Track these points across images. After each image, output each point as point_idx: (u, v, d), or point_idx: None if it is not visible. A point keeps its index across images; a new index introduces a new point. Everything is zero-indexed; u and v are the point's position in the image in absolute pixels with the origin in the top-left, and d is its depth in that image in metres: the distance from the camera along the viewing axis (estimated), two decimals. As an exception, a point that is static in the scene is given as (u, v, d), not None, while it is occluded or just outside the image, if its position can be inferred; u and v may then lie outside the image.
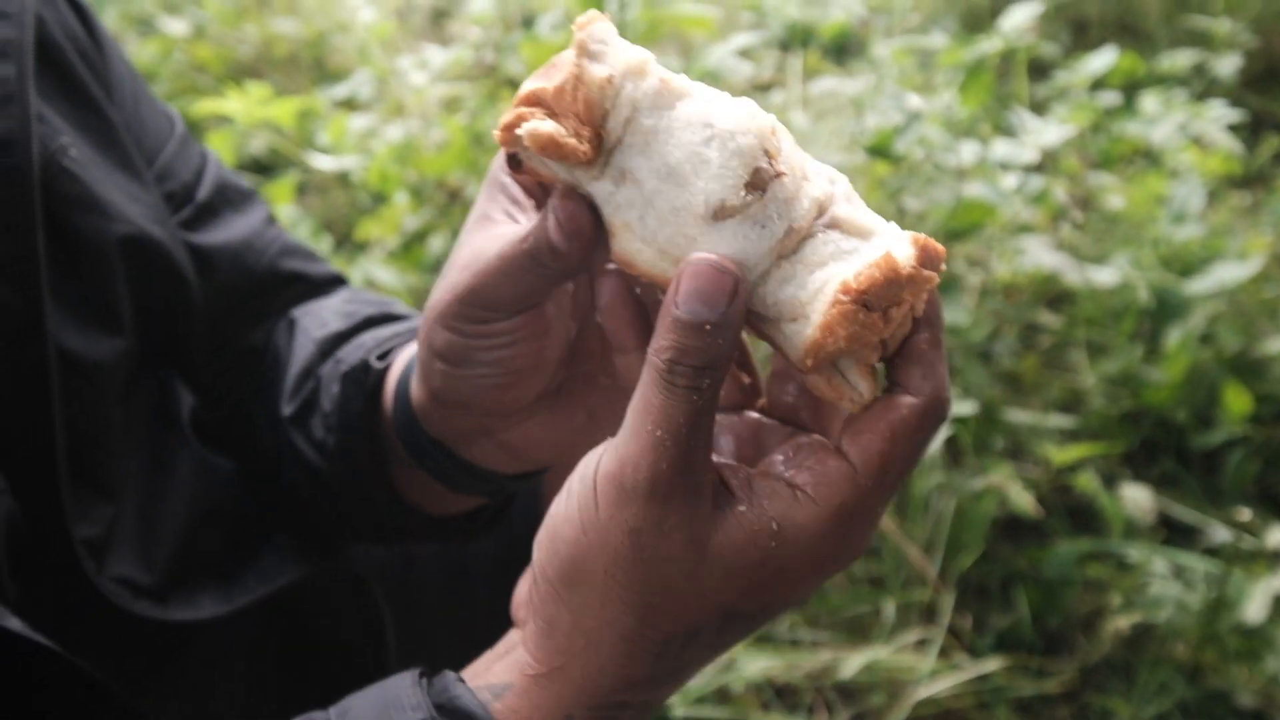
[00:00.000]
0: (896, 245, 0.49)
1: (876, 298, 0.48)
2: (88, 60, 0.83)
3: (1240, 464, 1.56)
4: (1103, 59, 1.80)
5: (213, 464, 0.89)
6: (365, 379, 0.79)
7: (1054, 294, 1.74)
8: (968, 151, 1.45)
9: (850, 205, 0.52)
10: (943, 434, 1.50)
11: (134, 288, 0.79)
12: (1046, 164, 1.64)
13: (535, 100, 0.52)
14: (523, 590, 0.59)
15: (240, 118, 1.66)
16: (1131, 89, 1.92)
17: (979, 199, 1.45)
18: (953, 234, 1.56)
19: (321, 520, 0.90)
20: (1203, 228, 1.66)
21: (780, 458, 0.54)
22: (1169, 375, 1.55)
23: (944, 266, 0.51)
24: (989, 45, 1.50)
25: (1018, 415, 1.60)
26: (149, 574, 0.77)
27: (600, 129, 0.51)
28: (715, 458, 0.52)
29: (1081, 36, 2.35)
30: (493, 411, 0.68)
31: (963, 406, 1.50)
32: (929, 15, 2.41)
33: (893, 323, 0.50)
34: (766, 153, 0.50)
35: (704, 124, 0.50)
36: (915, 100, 1.39)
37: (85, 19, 0.84)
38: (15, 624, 0.60)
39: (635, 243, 0.53)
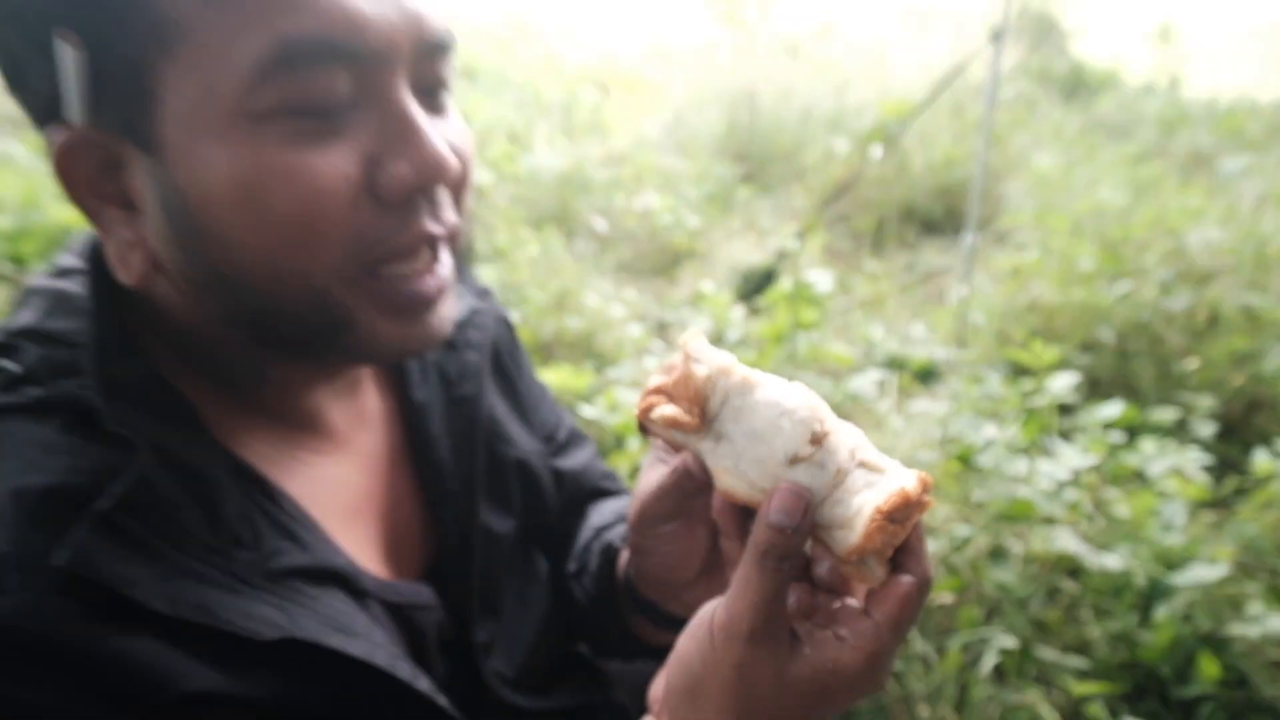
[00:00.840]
0: (906, 479, 0.54)
1: (897, 515, 0.53)
2: (512, 356, 0.90)
3: (1211, 715, 1.65)
4: (1111, 409, 2.07)
5: (557, 597, 0.91)
6: (614, 557, 0.85)
7: (1073, 567, 1.85)
8: (1022, 465, 1.74)
9: (869, 451, 0.56)
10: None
11: (522, 490, 0.85)
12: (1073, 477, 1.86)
13: (660, 391, 0.57)
14: (658, 688, 0.63)
15: (552, 380, 2.06)
16: (1132, 430, 2.15)
17: (1027, 499, 1.72)
18: (1006, 519, 1.80)
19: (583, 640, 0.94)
20: (1184, 536, 1.82)
21: (828, 619, 0.56)
22: (1158, 640, 1.68)
23: (932, 494, 0.56)
24: (1042, 399, 1.82)
25: (1046, 653, 1.74)
26: (513, 669, 0.79)
27: (704, 408, 0.56)
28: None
29: (1095, 389, 2.59)
30: (670, 583, 0.73)
31: (1006, 640, 1.67)
32: (985, 359, 2.71)
33: (904, 531, 0.54)
34: (820, 420, 0.55)
35: (778, 404, 0.55)
36: (991, 430, 1.71)
37: (511, 332, 0.92)
38: (442, 700, 0.63)
39: (731, 479, 0.56)
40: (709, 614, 0.57)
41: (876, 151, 3.66)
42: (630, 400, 2.07)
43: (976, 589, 1.84)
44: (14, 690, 0.48)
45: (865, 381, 1.91)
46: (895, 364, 2.57)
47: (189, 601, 0.52)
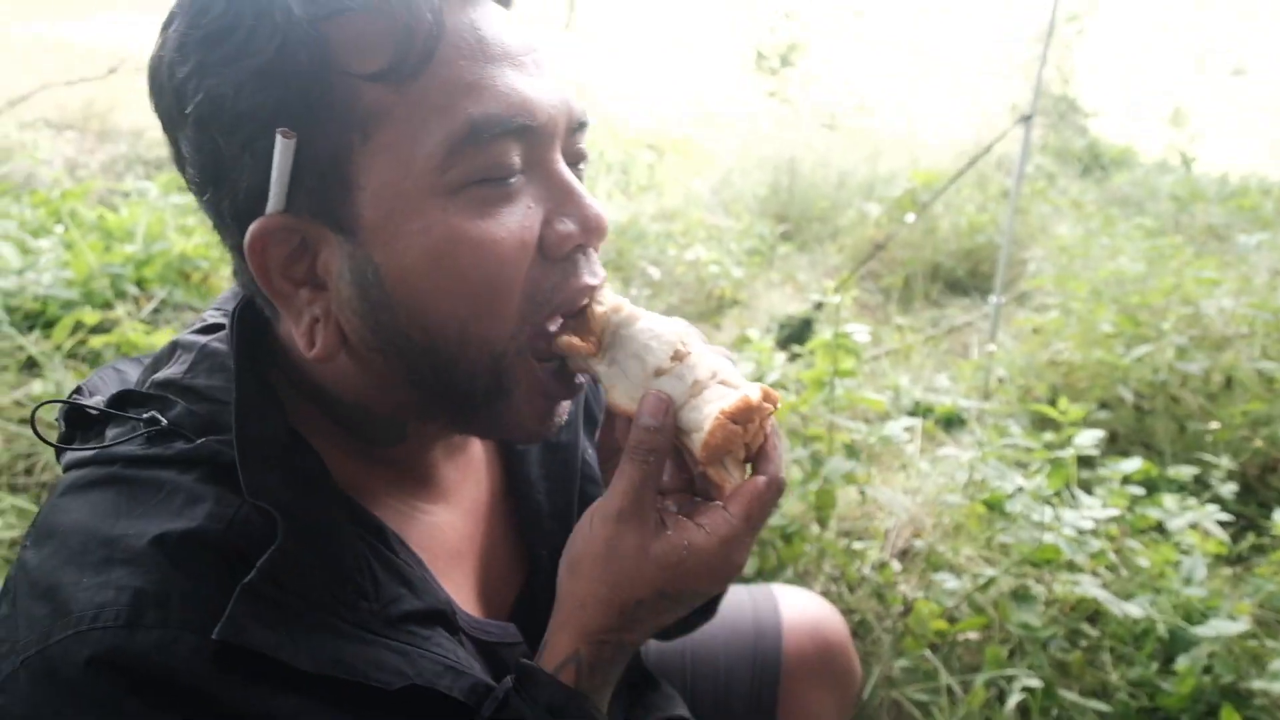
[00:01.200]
0: (751, 390, 0.58)
1: (739, 417, 0.57)
2: (596, 397, 0.90)
3: (1232, 767, 1.57)
4: (1131, 464, 1.97)
5: None
6: None
7: (1094, 612, 1.78)
8: (1047, 513, 1.67)
9: (732, 372, 0.61)
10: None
11: None
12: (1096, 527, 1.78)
13: (568, 328, 0.62)
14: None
15: None
16: (1150, 485, 2.06)
17: (1052, 545, 1.65)
18: (1031, 563, 1.73)
19: None
20: (1204, 589, 1.73)
21: (692, 509, 0.61)
22: (1180, 689, 1.59)
23: (779, 404, 0.60)
24: (1066, 452, 1.76)
25: (1067, 694, 1.65)
26: None
27: (600, 338, 0.61)
28: (659, 507, 0.61)
29: (1114, 444, 2.50)
30: None
31: (1031, 680, 1.59)
32: (1008, 411, 2.64)
33: (750, 434, 0.59)
34: (683, 342, 0.60)
35: (651, 330, 0.61)
36: (1019, 479, 1.65)
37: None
38: None
39: (617, 394, 0.61)
40: (593, 506, 0.61)
41: (908, 216, 3.62)
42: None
43: (1000, 628, 1.77)
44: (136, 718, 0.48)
45: (896, 427, 1.86)
46: (921, 411, 2.51)
47: (327, 656, 0.52)
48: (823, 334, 1.93)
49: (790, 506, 1.94)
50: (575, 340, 0.60)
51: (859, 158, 5.64)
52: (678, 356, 0.59)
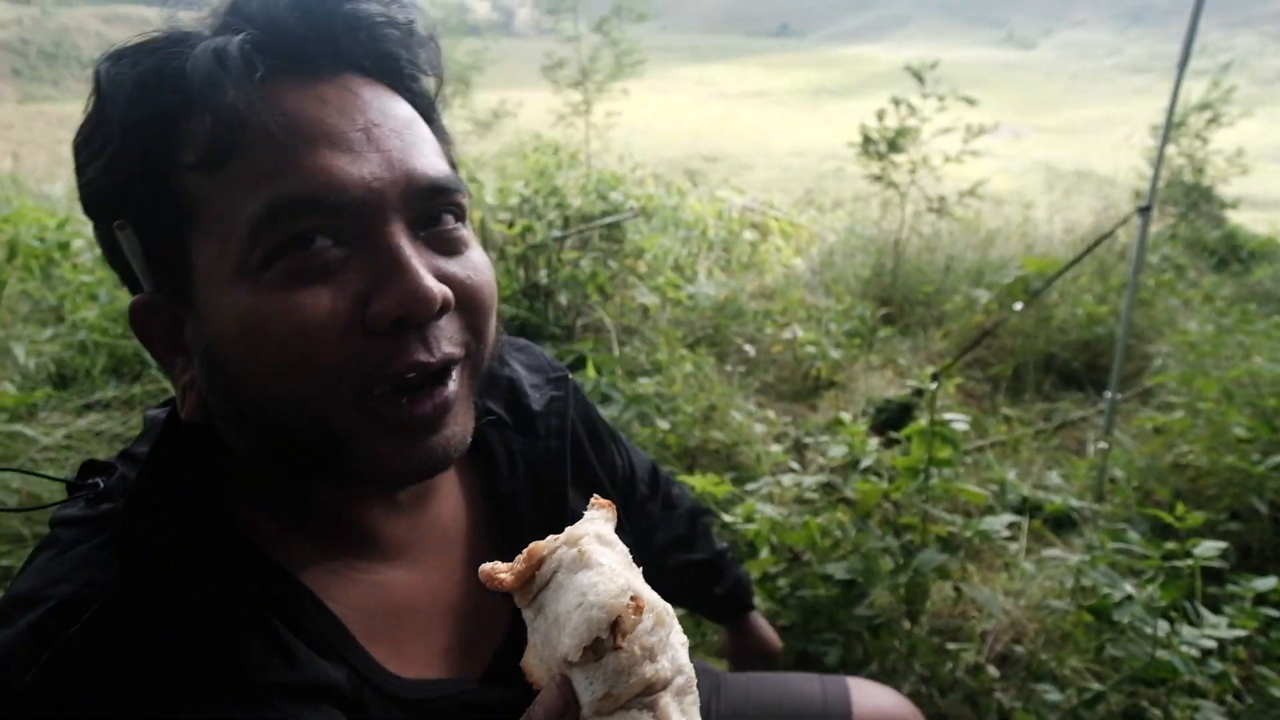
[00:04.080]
0: None
1: None
2: (589, 428, 0.91)
3: None
4: (1266, 582, 1.82)
5: None
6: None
7: None
8: (1162, 627, 1.57)
9: (676, 699, 0.47)
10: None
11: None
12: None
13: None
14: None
15: (695, 486, 2.09)
16: None
17: (1167, 661, 1.54)
18: (1145, 681, 1.62)
19: None
20: None
21: None
22: None
23: None
24: (1185, 562, 1.65)
25: None
26: None
27: (535, 573, 0.50)
28: None
29: (1247, 558, 2.32)
30: None
31: None
32: (1123, 514, 2.49)
33: None
34: (615, 627, 0.45)
35: (581, 592, 0.47)
36: (1129, 587, 1.56)
37: (587, 408, 0.93)
38: None
39: (534, 658, 0.51)
40: None
41: (1016, 305, 3.54)
42: (766, 512, 2.05)
43: None
44: None
45: (997, 522, 1.80)
46: (1028, 508, 2.40)
47: (144, 714, 0.52)
48: (922, 421, 1.92)
49: (879, 597, 1.90)
50: (494, 571, 0.50)
51: (968, 244, 5.57)
52: (597, 648, 0.46)
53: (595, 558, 0.48)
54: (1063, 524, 2.48)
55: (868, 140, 5.13)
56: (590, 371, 2.90)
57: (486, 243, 4.02)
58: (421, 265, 0.58)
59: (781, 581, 1.99)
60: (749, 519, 2.03)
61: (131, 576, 0.55)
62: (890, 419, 3.00)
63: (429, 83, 0.67)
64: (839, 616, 1.90)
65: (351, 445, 0.59)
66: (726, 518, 2.08)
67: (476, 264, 0.64)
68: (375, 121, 0.59)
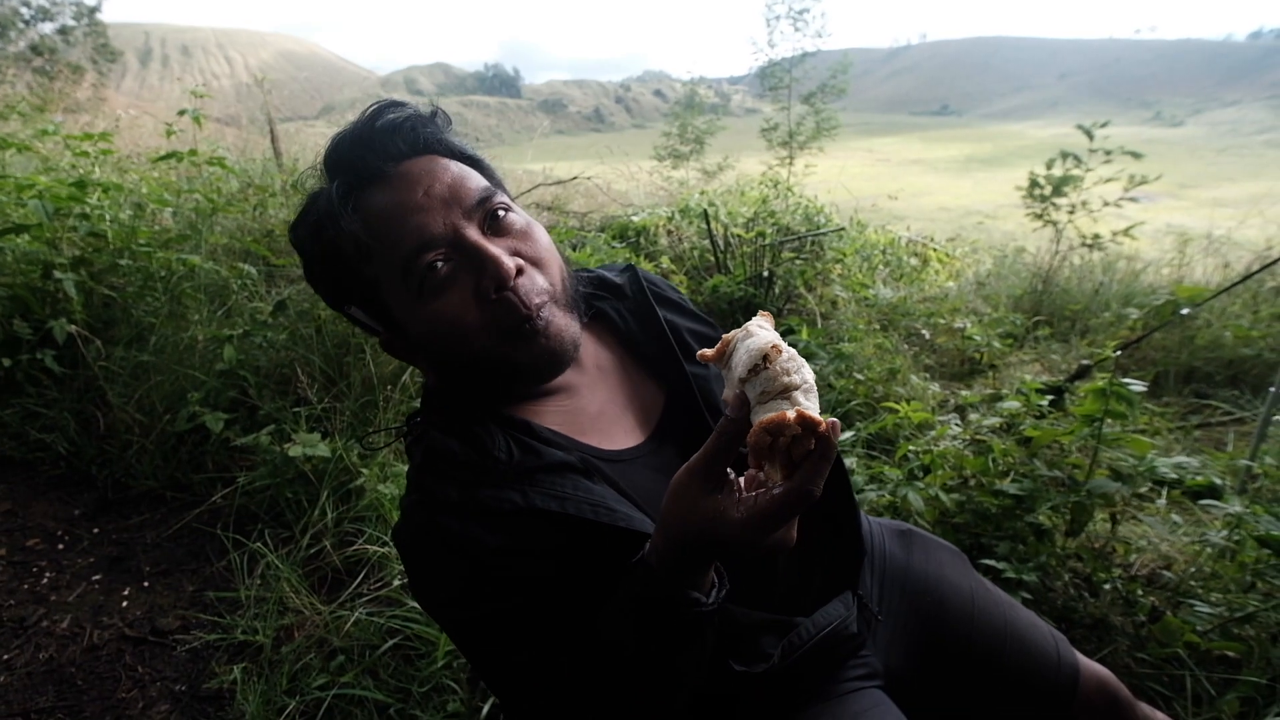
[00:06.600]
0: (790, 413, 0.52)
1: (772, 429, 0.52)
2: (669, 287, 0.94)
3: None
4: None
5: None
6: None
7: None
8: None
9: (804, 395, 0.53)
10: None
11: (701, 344, 0.88)
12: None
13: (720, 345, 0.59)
14: None
15: (901, 410, 2.05)
16: None
17: None
18: None
19: None
20: None
21: (748, 489, 0.57)
22: None
23: (822, 428, 0.52)
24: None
25: None
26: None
27: (725, 349, 0.58)
28: (726, 476, 0.57)
29: None
30: None
31: None
32: (1272, 496, 2.09)
33: (783, 444, 0.52)
34: (766, 358, 0.54)
35: (748, 346, 0.56)
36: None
37: (660, 281, 0.94)
38: (648, 527, 0.67)
39: (729, 391, 0.57)
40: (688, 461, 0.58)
41: (1165, 323, 3.03)
42: (952, 437, 1.96)
43: (1261, 660, 1.41)
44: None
45: (1166, 463, 1.60)
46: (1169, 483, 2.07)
47: (485, 496, 0.65)
48: (1099, 382, 1.74)
49: (1044, 516, 1.76)
50: (705, 351, 0.59)
51: (1119, 275, 4.83)
52: (754, 370, 0.54)
53: (754, 331, 0.58)
54: (1201, 497, 2.11)
55: (1034, 184, 4.60)
56: (804, 334, 2.91)
57: (727, 245, 4.14)
58: (495, 249, 0.68)
59: (955, 494, 1.89)
60: (941, 438, 1.94)
61: (434, 442, 0.70)
62: (1050, 390, 2.72)
63: (456, 138, 0.76)
64: (1006, 524, 1.78)
65: (515, 363, 0.71)
66: (911, 447, 1.99)
67: (535, 237, 0.73)
68: (427, 183, 0.69)
